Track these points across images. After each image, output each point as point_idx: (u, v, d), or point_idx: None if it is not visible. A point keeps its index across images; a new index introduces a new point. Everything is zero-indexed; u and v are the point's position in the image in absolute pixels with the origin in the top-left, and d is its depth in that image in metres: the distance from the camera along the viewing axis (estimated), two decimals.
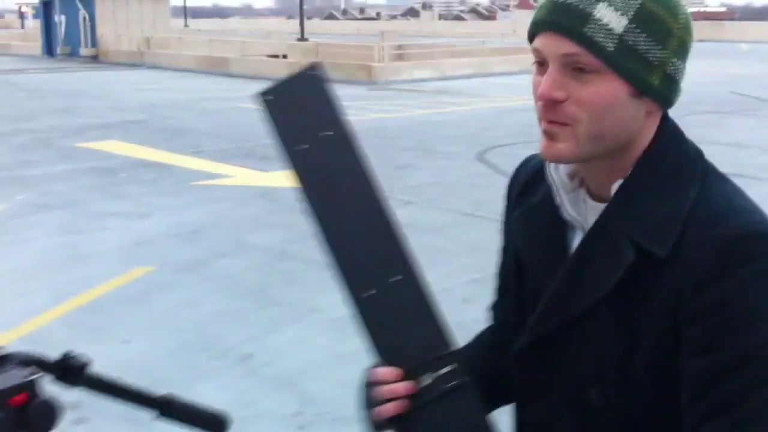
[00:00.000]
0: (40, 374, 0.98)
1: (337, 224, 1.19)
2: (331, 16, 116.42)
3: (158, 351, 5.01)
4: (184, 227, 7.75)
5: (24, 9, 68.85)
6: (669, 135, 1.20)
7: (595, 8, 1.11)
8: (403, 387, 1.20)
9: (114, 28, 34.46)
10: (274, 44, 31.40)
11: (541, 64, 1.16)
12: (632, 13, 1.11)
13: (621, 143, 1.16)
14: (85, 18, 34.35)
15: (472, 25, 72.19)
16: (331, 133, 1.21)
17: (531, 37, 1.18)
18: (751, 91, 19.70)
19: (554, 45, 1.13)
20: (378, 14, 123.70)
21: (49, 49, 36.75)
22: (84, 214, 8.40)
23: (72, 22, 35.01)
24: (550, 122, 1.15)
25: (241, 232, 7.44)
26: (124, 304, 5.77)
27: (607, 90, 1.12)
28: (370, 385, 1.25)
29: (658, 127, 1.20)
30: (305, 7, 36.44)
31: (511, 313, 1.34)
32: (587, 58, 1.11)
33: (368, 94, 20.11)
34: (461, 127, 14.26)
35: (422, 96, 19.82)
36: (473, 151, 11.65)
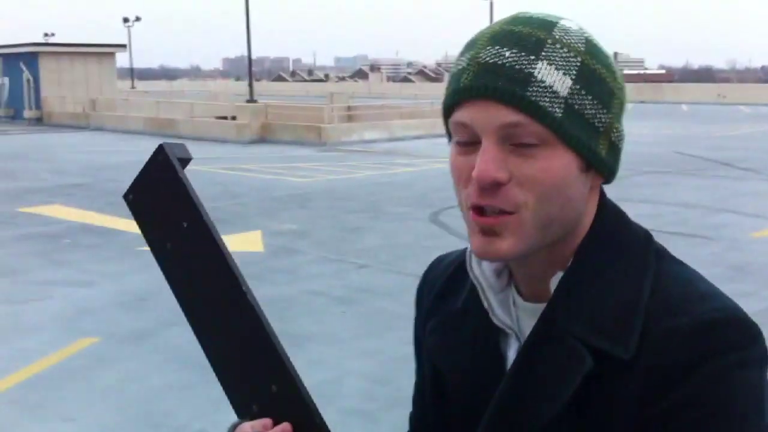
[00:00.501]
0: None
1: (210, 329, 1.07)
2: (279, 78, 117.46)
3: (103, 429, 4.74)
4: (129, 295, 7.49)
5: None
6: (612, 214, 1.03)
7: (536, 68, 0.93)
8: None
9: (58, 89, 34.08)
10: (222, 106, 31.29)
11: (465, 143, 0.96)
12: (574, 72, 0.95)
13: (567, 229, 0.99)
14: (29, 80, 33.96)
15: (420, 86, 73.26)
16: (187, 224, 1.06)
17: (449, 109, 0.98)
18: (695, 151, 20.16)
19: (489, 115, 0.93)
20: (326, 76, 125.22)
21: None
22: (25, 282, 8.08)
23: (16, 84, 34.57)
24: (484, 216, 0.95)
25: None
26: (67, 379, 5.48)
27: (558, 165, 0.94)
28: None
29: (598, 205, 1.03)
30: (253, 68, 36.58)
31: None
32: (533, 128, 0.93)
33: (318, 155, 20.09)
34: (412, 188, 14.24)
35: (372, 157, 19.85)
36: (425, 212, 11.60)
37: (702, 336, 0.91)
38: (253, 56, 35.19)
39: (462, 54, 0.99)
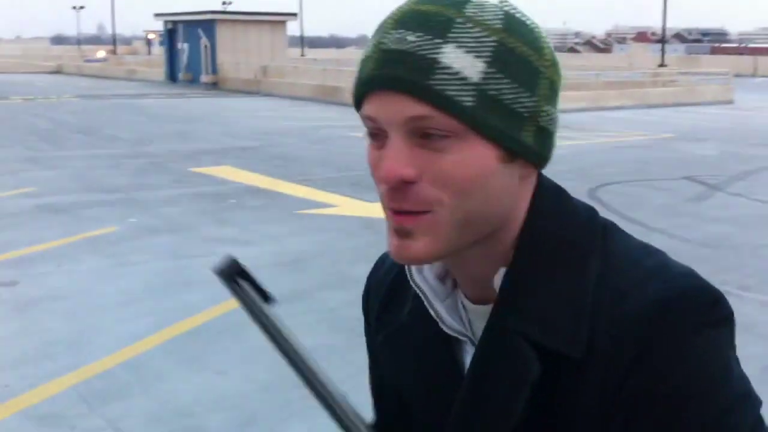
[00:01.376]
0: None
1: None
2: None
3: (252, 385, 4.96)
4: (288, 256, 7.76)
5: (151, 36, 72.17)
6: (550, 198, 0.94)
7: (441, 53, 0.83)
8: None
9: (233, 56, 35.59)
10: None
11: (376, 136, 0.88)
12: (488, 53, 0.84)
13: (494, 225, 0.90)
14: (206, 46, 35.63)
15: (587, 57, 71.06)
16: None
17: (358, 102, 0.89)
18: None
19: (393, 108, 0.84)
20: None
21: (171, 75, 38.32)
22: (192, 239, 8.55)
23: (194, 50, 36.40)
24: (400, 214, 0.87)
25: (343, 263, 7.40)
26: (223, 334, 5.77)
27: (472, 158, 0.85)
28: None
29: (535, 191, 0.93)
30: None
31: None
32: (440, 120, 0.83)
33: None
34: (572, 162, 13.89)
35: None
36: (584, 187, 11.29)
37: (649, 317, 0.84)
38: None
39: (372, 37, 0.90)
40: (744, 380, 0.87)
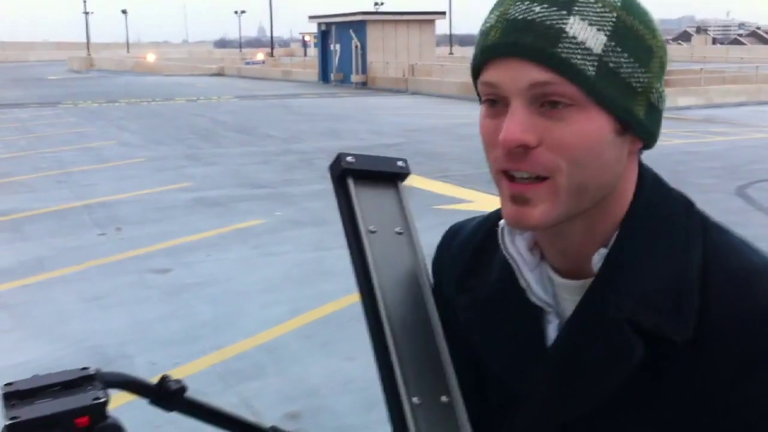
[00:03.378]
0: (105, 398, 0.94)
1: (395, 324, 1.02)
2: None
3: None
4: (425, 250, 7.92)
5: (307, 38, 74.44)
6: (652, 182, 0.96)
7: (567, 23, 0.87)
8: None
9: (383, 55, 36.23)
10: None
11: (495, 102, 0.91)
12: (609, 28, 0.88)
13: (604, 194, 0.93)
14: (357, 46, 36.44)
15: (749, 50, 67.41)
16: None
17: (477, 69, 0.93)
18: None
19: (517, 74, 0.88)
20: None
21: (324, 76, 39.45)
22: (332, 233, 8.88)
23: (346, 50, 37.30)
24: (517, 182, 0.90)
25: None
26: (355, 322, 6.02)
27: (591, 127, 0.88)
28: None
29: (639, 171, 0.96)
30: None
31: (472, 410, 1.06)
32: (564, 88, 0.87)
33: None
34: (723, 158, 13.36)
35: (684, 125, 18.81)
36: (733, 185, 10.87)
37: None
38: None
39: (491, 11, 0.94)
40: None
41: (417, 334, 0.99)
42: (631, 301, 0.90)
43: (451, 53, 64.65)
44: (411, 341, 0.99)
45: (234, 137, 18.06)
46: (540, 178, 0.90)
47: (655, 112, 0.94)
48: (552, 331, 0.99)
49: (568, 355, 0.94)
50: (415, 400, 0.94)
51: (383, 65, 36.02)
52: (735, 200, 10.07)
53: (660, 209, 0.95)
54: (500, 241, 1.02)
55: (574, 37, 0.87)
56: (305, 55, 72.64)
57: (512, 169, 0.90)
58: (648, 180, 0.97)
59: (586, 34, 0.87)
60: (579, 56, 0.87)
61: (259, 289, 6.94)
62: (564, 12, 0.87)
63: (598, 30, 0.87)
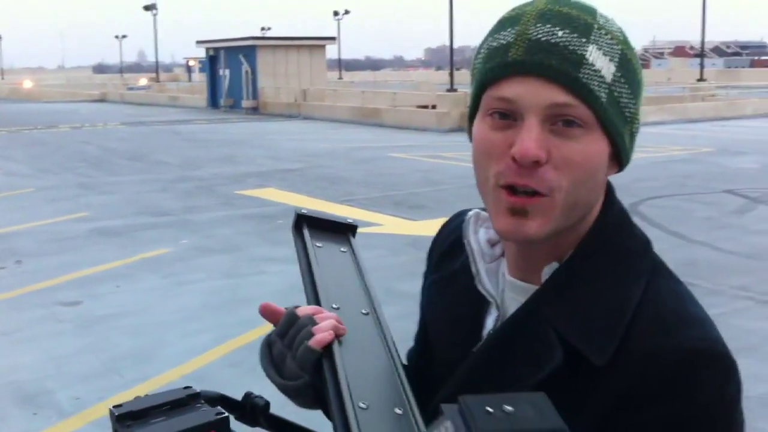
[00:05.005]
0: (226, 414, 0.99)
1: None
2: None
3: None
4: None
5: (191, 63, 73.44)
6: (618, 213, 1.02)
7: (587, 51, 0.93)
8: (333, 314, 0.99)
9: (274, 80, 36.12)
10: (423, 95, 31.98)
11: (504, 117, 0.95)
12: (617, 59, 0.95)
13: (584, 214, 0.98)
14: (247, 72, 36.20)
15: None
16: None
17: (489, 82, 0.96)
18: None
19: (540, 93, 0.92)
20: None
21: (213, 101, 38.94)
22: (244, 259, 8.83)
23: (235, 76, 36.98)
24: (517, 195, 0.94)
25: (391, 280, 7.60)
26: None
27: (594, 150, 0.94)
28: (291, 323, 1.04)
29: (606, 199, 1.01)
30: (454, 58, 36.97)
31: (421, 372, 1.12)
32: (580, 111, 0.92)
33: None
34: (612, 177, 13.96)
35: None
36: (625, 202, 11.29)
37: (682, 366, 0.90)
38: (455, 45, 35.58)
39: (502, 29, 0.97)
40: None
41: (366, 348, 1.00)
42: (563, 318, 0.95)
43: (340, 78, 65.17)
44: (360, 357, 0.97)
45: (127, 165, 17.62)
46: (538, 194, 0.94)
47: (633, 141, 1.01)
48: (490, 323, 1.06)
49: (497, 345, 1.00)
50: (361, 404, 0.87)
51: (275, 90, 35.91)
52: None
53: (617, 242, 1.00)
54: (463, 230, 1.10)
55: (592, 64, 0.93)
56: (190, 80, 71.60)
57: (519, 183, 0.94)
58: (615, 209, 1.02)
59: (601, 62, 0.93)
60: (596, 83, 0.93)
61: (178, 318, 6.81)
62: (584, 39, 0.93)
63: (610, 60, 0.94)
